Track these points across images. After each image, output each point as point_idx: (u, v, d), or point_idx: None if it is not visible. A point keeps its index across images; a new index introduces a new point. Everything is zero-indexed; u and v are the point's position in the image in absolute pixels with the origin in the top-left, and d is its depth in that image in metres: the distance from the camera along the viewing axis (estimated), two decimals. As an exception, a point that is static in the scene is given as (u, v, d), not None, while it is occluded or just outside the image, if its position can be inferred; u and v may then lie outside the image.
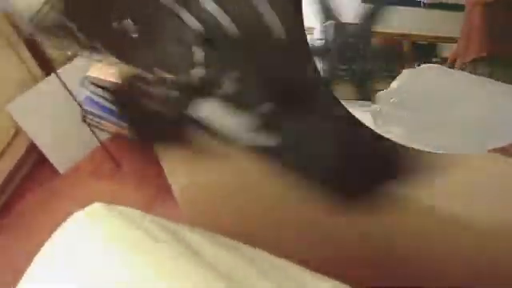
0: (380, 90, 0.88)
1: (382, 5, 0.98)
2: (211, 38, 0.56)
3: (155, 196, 1.26)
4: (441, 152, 0.70)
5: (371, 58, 1.05)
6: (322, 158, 0.57)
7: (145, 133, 0.72)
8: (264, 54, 0.57)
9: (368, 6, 1.02)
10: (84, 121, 1.69)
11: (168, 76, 0.58)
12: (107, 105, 1.55)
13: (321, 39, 1.01)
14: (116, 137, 1.65)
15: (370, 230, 0.61)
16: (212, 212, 0.77)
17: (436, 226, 0.61)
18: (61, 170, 1.91)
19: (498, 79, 0.79)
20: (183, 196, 0.79)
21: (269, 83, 0.56)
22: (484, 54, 0.83)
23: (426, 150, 0.69)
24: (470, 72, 0.83)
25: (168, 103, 0.61)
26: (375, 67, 1.04)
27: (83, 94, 1.68)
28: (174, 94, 0.60)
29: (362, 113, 0.67)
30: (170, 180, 0.78)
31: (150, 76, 0.58)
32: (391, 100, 0.76)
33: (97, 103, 1.65)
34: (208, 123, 0.60)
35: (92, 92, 1.65)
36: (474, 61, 0.85)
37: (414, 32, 0.96)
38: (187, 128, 0.63)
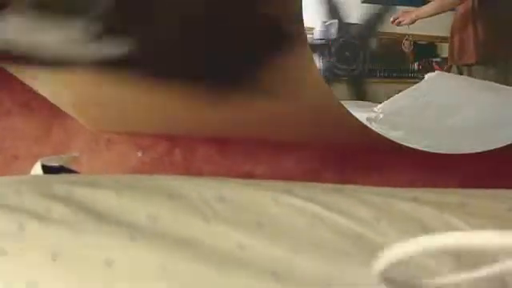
0: (379, 91, 0.88)
1: (383, 5, 0.98)
2: None
3: (51, 120, 1.13)
4: (440, 152, 0.70)
5: (371, 58, 1.05)
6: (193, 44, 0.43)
7: None
8: None
9: (368, 6, 1.02)
10: None
11: None
12: None
13: (321, 39, 1.01)
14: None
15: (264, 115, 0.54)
16: (107, 121, 0.70)
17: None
18: None
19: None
20: (77, 114, 0.73)
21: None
22: (466, 62, 0.82)
23: (426, 150, 0.69)
24: (468, 73, 0.83)
25: None
26: (375, 67, 1.04)
27: None
28: None
29: (359, 113, 0.67)
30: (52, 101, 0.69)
31: None
32: (387, 109, 0.76)
33: None
34: (25, 45, 0.45)
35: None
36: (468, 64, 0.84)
37: (414, 32, 0.96)
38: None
